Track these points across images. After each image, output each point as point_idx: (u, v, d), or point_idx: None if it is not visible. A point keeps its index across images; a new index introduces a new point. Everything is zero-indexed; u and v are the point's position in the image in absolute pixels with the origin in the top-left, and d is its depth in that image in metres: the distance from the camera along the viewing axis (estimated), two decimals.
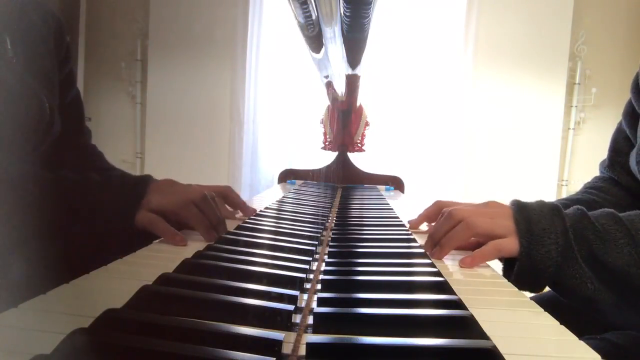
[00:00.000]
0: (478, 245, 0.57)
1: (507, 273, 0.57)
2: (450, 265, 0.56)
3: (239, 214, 0.81)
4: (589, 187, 0.85)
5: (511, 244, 0.54)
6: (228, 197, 0.80)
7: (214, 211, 0.62)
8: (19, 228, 0.48)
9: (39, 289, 0.35)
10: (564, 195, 2.30)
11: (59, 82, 0.73)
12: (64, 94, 0.75)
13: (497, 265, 0.58)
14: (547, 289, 0.56)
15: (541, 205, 0.56)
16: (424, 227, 0.79)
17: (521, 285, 0.54)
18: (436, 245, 0.59)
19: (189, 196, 0.60)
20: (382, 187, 1.48)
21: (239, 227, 0.67)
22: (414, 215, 0.81)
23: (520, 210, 0.56)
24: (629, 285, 0.51)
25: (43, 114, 0.63)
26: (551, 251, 0.52)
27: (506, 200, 0.60)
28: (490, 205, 0.60)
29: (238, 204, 0.81)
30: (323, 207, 0.98)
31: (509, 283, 0.50)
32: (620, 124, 0.85)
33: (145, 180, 0.61)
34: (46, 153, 0.67)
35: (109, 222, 0.56)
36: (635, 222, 0.52)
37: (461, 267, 0.55)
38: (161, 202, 0.59)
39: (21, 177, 0.54)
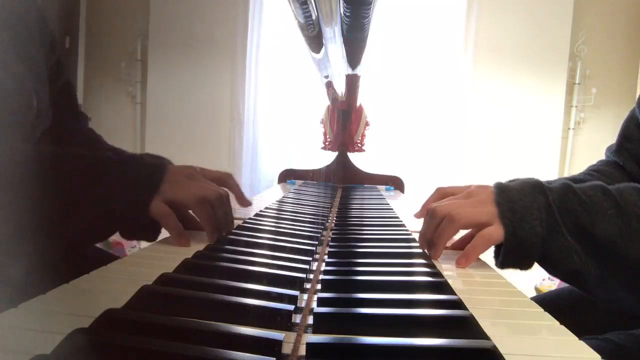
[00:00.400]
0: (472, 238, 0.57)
1: (498, 253, 0.57)
2: (450, 265, 0.56)
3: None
4: (592, 170, 0.85)
5: (497, 230, 0.54)
6: (227, 184, 0.79)
7: (225, 213, 0.61)
8: (29, 206, 0.47)
9: (39, 289, 0.35)
10: None
11: (48, 73, 0.72)
12: (53, 83, 0.74)
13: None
14: (546, 288, 0.56)
15: (523, 183, 0.56)
16: None
17: (510, 263, 0.54)
18: (429, 246, 0.59)
19: (206, 194, 0.59)
20: (382, 187, 1.48)
21: (239, 227, 0.67)
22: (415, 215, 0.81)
23: (502, 192, 0.56)
24: (616, 257, 0.51)
25: (30, 104, 0.62)
26: (535, 227, 0.52)
27: None
28: (474, 193, 0.60)
29: (236, 193, 0.81)
30: (323, 207, 0.98)
31: (509, 283, 0.50)
32: (633, 110, 0.84)
33: (162, 166, 0.59)
34: (44, 140, 0.66)
35: (124, 205, 0.54)
36: (624, 194, 0.52)
37: (457, 267, 0.55)
38: (177, 194, 0.57)
39: (30, 155, 0.53)
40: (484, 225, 0.55)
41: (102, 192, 0.54)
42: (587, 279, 0.54)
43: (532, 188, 0.55)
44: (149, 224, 0.56)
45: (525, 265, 0.55)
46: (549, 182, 0.57)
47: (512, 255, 0.54)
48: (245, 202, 0.80)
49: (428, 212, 0.61)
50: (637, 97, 0.84)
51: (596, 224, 0.51)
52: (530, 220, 0.52)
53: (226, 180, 0.78)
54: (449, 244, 0.61)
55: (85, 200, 0.53)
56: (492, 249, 0.58)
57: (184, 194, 0.58)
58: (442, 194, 0.74)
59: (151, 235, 0.57)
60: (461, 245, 0.62)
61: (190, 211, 0.63)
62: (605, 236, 0.51)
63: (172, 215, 0.57)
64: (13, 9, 0.65)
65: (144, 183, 0.56)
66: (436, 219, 0.58)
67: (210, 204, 0.59)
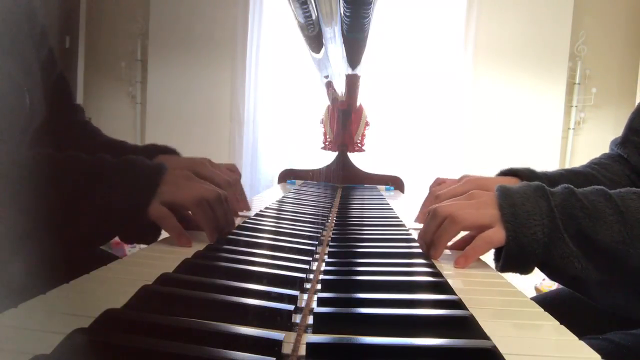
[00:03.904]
0: (473, 239, 0.57)
1: (498, 257, 0.57)
2: (450, 265, 0.56)
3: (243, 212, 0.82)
4: (593, 163, 0.85)
5: (499, 233, 0.54)
6: (232, 188, 0.79)
7: (224, 213, 0.61)
8: (26, 211, 0.47)
9: (39, 289, 0.35)
10: None
11: (40, 66, 0.71)
12: (46, 77, 0.73)
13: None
14: (546, 288, 0.56)
15: (525, 187, 0.56)
16: None
17: (510, 268, 0.54)
18: (429, 246, 0.59)
19: (205, 195, 0.59)
20: (382, 187, 1.48)
21: (239, 227, 0.66)
22: (414, 215, 0.81)
23: (504, 195, 0.55)
24: (617, 263, 0.51)
25: (22, 102, 0.61)
26: (537, 233, 0.52)
27: None
28: (475, 195, 0.60)
29: (240, 196, 0.81)
30: (323, 207, 0.98)
31: (509, 283, 0.50)
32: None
33: (160, 168, 0.59)
34: (38, 135, 0.65)
35: (122, 208, 0.54)
36: (625, 199, 0.52)
37: (456, 267, 0.55)
38: (175, 196, 0.57)
39: (27, 160, 0.52)
40: (486, 227, 0.55)
41: (100, 196, 0.53)
42: (587, 284, 0.53)
43: (535, 192, 0.55)
44: (148, 226, 0.56)
45: (525, 269, 0.55)
46: (546, 172, 0.56)
47: (512, 260, 0.54)
48: (245, 206, 0.81)
49: (429, 212, 0.60)
50: (637, 96, 0.84)
51: (598, 230, 0.51)
52: (532, 226, 0.52)
53: (232, 184, 0.77)
54: (449, 244, 0.61)
55: (83, 205, 0.52)
56: (491, 252, 0.58)
57: (182, 195, 0.58)
58: (438, 182, 0.74)
59: (150, 239, 0.57)
60: (461, 245, 0.62)
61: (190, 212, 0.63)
62: (607, 242, 0.51)
63: (171, 217, 0.57)
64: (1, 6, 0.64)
65: (141, 186, 0.56)
66: (437, 220, 0.58)
67: (209, 204, 0.59)
